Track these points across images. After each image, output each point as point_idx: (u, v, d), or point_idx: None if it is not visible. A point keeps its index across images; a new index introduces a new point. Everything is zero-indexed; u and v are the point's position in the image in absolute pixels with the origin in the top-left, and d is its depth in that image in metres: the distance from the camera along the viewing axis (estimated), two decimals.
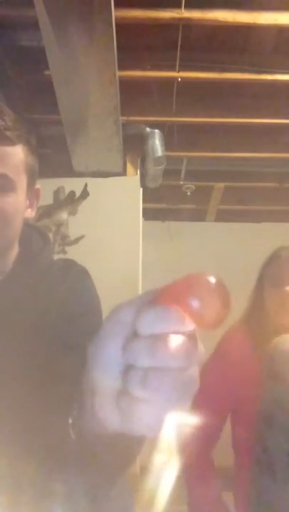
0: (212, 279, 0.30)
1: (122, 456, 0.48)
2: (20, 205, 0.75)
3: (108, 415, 0.39)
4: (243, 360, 1.31)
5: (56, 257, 0.89)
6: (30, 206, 0.80)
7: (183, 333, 0.33)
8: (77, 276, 0.83)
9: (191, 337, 0.35)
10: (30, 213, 0.80)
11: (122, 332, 0.36)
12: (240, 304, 1.39)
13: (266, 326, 1.31)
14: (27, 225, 0.82)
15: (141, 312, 0.35)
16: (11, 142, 0.71)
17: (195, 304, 0.29)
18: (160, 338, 0.33)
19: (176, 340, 0.34)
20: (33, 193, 0.80)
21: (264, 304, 1.37)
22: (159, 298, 0.32)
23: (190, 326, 0.32)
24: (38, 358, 0.67)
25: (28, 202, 0.79)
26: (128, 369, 0.36)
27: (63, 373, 0.65)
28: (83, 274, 0.85)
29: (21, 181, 0.74)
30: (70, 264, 0.85)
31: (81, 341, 0.75)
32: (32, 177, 0.78)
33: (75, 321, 0.77)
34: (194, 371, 0.36)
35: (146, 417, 0.35)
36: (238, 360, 1.32)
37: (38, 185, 0.81)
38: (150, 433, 0.37)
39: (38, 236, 0.86)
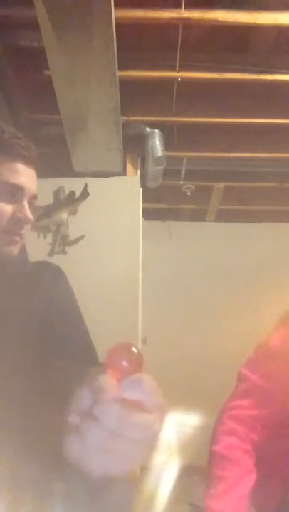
0: (134, 349, 0.45)
1: None
2: None
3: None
4: None
5: (56, 257, 0.91)
6: None
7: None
8: (54, 273, 0.87)
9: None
10: None
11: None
12: (240, 305, 1.39)
13: None
14: None
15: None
16: (34, 166, 0.82)
17: (124, 363, 0.44)
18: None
19: (145, 382, 0.42)
20: None
21: None
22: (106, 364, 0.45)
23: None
24: (25, 355, 0.68)
25: None
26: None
27: (56, 371, 0.66)
28: (58, 270, 0.89)
29: None
30: (45, 263, 0.89)
31: (61, 337, 0.76)
32: None
33: (58, 319, 0.79)
34: (155, 422, 0.42)
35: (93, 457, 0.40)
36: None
37: (44, 197, 0.89)
38: (99, 472, 0.41)
39: None
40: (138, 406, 0.42)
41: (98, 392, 0.42)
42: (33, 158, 0.81)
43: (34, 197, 0.82)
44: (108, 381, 0.43)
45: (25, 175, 0.79)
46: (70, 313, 0.83)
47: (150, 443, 0.42)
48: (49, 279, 0.84)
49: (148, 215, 3.82)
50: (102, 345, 0.87)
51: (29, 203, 0.81)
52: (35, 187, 0.82)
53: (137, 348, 0.46)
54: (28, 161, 0.80)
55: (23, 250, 0.88)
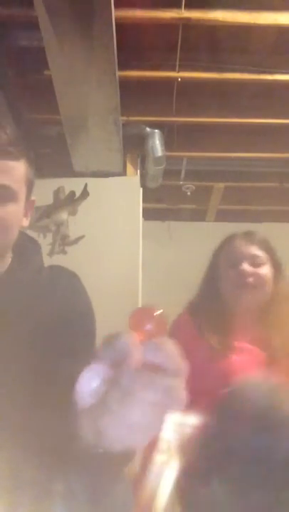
0: (157, 311, 0.45)
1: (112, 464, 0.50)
2: (19, 215, 0.80)
3: (81, 429, 0.42)
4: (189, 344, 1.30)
5: (56, 257, 0.91)
6: (26, 216, 0.85)
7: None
8: (68, 280, 0.87)
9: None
10: (25, 222, 0.85)
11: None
12: None
13: (219, 309, 1.40)
14: (19, 231, 0.85)
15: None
16: (15, 157, 0.76)
17: (148, 327, 0.44)
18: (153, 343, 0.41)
19: (167, 346, 0.41)
20: (29, 204, 0.85)
21: (218, 288, 1.43)
22: (129, 326, 0.45)
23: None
24: (35, 359, 0.68)
25: (24, 211, 0.84)
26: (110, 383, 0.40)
27: (60, 373, 0.66)
28: (73, 277, 0.89)
29: (22, 193, 0.79)
30: (60, 270, 0.90)
31: (75, 341, 0.76)
32: (30, 189, 0.84)
33: (69, 323, 0.79)
34: (179, 386, 0.40)
35: (114, 430, 0.39)
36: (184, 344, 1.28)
37: (33, 197, 0.86)
38: (119, 447, 0.40)
39: (29, 242, 0.90)
40: (160, 370, 0.41)
41: (121, 352, 0.41)
42: None
43: None
44: (133, 341, 0.41)
45: None
46: (83, 318, 0.83)
47: (175, 408, 0.40)
48: (63, 285, 0.84)
49: (148, 215, 3.82)
50: None
51: None
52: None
53: (160, 311, 0.45)
54: None
55: (37, 253, 0.88)
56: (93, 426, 0.41)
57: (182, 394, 0.40)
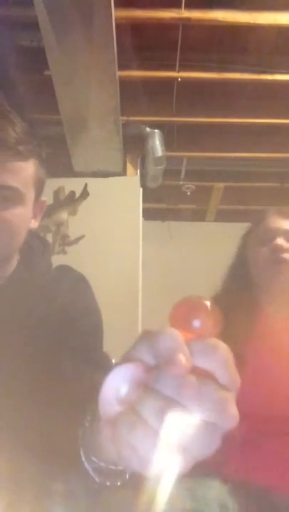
0: (208, 303, 0.36)
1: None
2: (26, 217, 0.77)
3: (105, 441, 0.37)
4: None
5: (56, 257, 0.90)
6: (34, 217, 0.82)
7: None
8: (75, 280, 0.85)
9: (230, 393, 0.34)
10: (34, 224, 0.82)
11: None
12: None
13: (247, 300, 1.21)
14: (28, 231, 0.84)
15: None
16: (24, 157, 0.72)
17: (196, 324, 0.35)
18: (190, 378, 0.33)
19: (220, 349, 0.34)
20: (38, 205, 0.82)
21: (247, 273, 1.27)
22: (171, 321, 0.37)
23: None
24: (40, 359, 0.67)
25: (32, 213, 0.81)
26: (146, 393, 0.34)
27: (64, 374, 0.65)
28: (80, 278, 0.87)
29: (30, 194, 0.76)
30: (68, 270, 0.88)
31: (81, 342, 0.76)
32: (39, 190, 0.80)
33: (75, 323, 0.78)
34: (231, 401, 0.34)
35: (148, 448, 0.33)
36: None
37: (44, 198, 0.83)
38: (140, 467, 0.34)
39: (38, 241, 0.89)
40: (210, 378, 0.34)
41: (162, 354, 0.34)
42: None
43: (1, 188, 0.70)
44: (178, 340, 0.34)
45: None
46: (87, 319, 0.81)
47: (226, 426, 0.33)
48: (68, 287, 0.82)
49: (148, 215, 3.82)
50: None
51: None
52: (0, 175, 0.70)
53: (211, 303, 0.36)
54: None
55: (45, 253, 0.86)
56: (118, 439, 0.35)
57: (234, 410, 0.33)
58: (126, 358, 0.36)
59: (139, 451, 0.33)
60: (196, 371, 0.33)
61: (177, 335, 0.34)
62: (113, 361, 0.81)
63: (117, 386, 0.34)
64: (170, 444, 0.33)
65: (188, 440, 0.33)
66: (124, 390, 0.34)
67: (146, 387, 0.34)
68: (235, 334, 1.06)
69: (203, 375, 0.33)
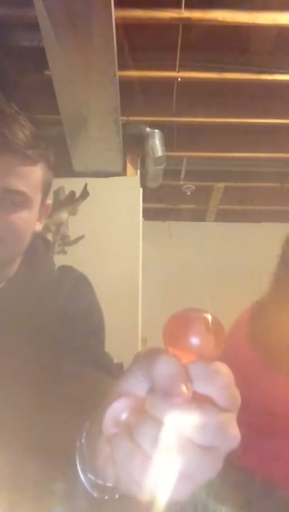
0: (209, 317, 0.32)
1: None
2: (32, 221, 0.77)
3: (103, 461, 0.37)
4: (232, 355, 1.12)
5: (56, 257, 0.90)
6: (39, 220, 0.82)
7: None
8: (77, 280, 0.85)
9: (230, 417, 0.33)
10: (39, 226, 0.82)
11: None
12: (240, 305, 1.38)
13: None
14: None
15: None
16: (33, 161, 0.72)
17: (195, 341, 0.31)
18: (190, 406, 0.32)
19: (222, 372, 0.33)
20: (43, 208, 0.82)
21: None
22: (165, 338, 0.33)
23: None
24: (42, 359, 0.68)
25: (38, 216, 0.81)
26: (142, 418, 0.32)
27: (66, 374, 0.65)
28: (82, 278, 0.87)
29: (37, 198, 0.76)
30: (70, 270, 0.88)
31: (83, 342, 0.76)
32: (46, 193, 0.80)
33: (77, 323, 0.78)
34: (231, 422, 0.32)
35: (143, 474, 0.32)
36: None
37: (49, 201, 0.83)
38: (138, 493, 0.33)
39: (41, 242, 0.88)
40: (210, 403, 0.32)
41: (162, 383, 0.32)
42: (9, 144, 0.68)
43: (7, 191, 0.69)
44: (175, 368, 0.32)
45: None
46: (90, 319, 0.81)
47: (227, 448, 0.32)
48: (71, 287, 0.82)
49: (148, 215, 3.82)
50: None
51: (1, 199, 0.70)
52: (9, 179, 0.69)
53: (212, 315, 0.32)
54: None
55: (47, 254, 0.86)
56: (115, 464, 0.34)
57: (235, 430, 0.32)
58: (118, 393, 0.35)
59: (137, 479, 0.32)
60: (195, 396, 0.32)
61: (175, 361, 0.32)
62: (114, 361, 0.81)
63: (116, 414, 0.34)
64: (169, 471, 0.31)
65: (189, 467, 0.32)
66: (122, 417, 0.34)
67: (142, 412, 0.33)
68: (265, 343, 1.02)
69: (201, 400, 0.32)
